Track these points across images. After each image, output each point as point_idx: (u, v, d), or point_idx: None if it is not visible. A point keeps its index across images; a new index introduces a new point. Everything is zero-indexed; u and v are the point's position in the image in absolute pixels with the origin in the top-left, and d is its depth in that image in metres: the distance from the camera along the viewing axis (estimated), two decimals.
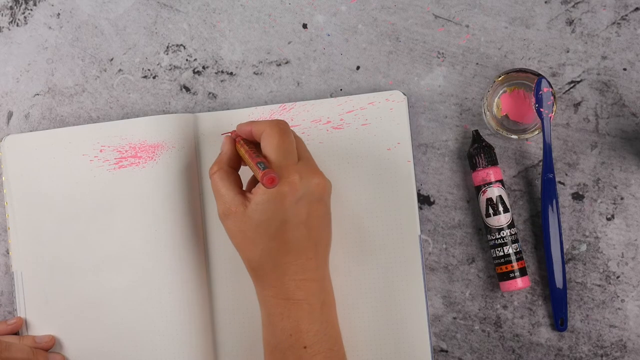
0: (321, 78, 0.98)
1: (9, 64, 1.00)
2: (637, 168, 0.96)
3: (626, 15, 0.96)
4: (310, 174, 0.86)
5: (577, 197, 0.96)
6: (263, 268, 0.86)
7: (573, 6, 0.97)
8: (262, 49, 0.99)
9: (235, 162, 0.90)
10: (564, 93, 0.96)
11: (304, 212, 0.85)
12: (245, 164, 0.90)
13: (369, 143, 0.95)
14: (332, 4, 0.98)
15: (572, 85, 0.96)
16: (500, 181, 0.94)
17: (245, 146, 0.89)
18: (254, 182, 0.90)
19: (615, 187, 0.96)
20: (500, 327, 0.96)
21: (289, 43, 0.98)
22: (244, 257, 0.87)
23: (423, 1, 0.97)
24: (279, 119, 0.89)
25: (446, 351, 0.96)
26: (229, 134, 0.91)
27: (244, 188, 0.90)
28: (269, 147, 0.86)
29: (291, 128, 0.89)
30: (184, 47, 0.99)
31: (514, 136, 0.94)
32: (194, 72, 0.99)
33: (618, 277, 0.95)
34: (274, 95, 0.98)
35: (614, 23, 0.96)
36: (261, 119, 0.93)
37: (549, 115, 0.93)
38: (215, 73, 0.99)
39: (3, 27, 1.00)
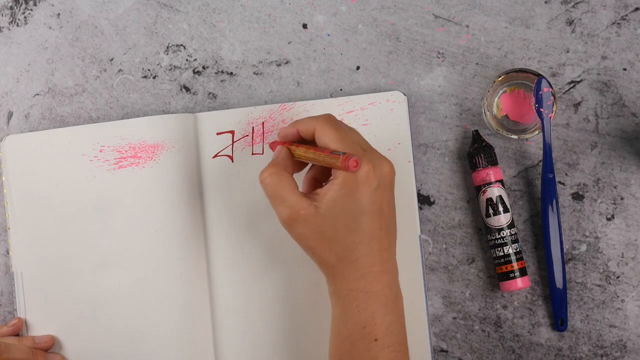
0: (321, 78, 0.98)
1: (9, 64, 1.00)
2: (637, 168, 0.96)
3: (626, 15, 0.96)
4: (380, 161, 0.84)
5: (577, 197, 0.96)
6: (342, 264, 0.84)
7: (573, 6, 0.97)
8: (262, 49, 0.99)
9: (291, 167, 0.87)
10: (564, 93, 0.96)
11: (378, 202, 0.83)
12: (299, 170, 0.89)
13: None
14: (332, 4, 0.98)
15: (572, 85, 0.96)
16: (500, 181, 0.94)
17: (301, 146, 0.86)
18: (310, 183, 0.89)
19: (615, 187, 0.96)
20: (500, 327, 0.96)
21: (289, 43, 0.99)
22: (321, 257, 0.85)
23: (423, 1, 0.97)
24: (325, 113, 0.86)
25: (446, 351, 0.96)
26: (270, 146, 0.89)
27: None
28: (329, 141, 0.83)
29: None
30: (184, 47, 0.99)
31: (514, 136, 0.94)
32: (194, 72, 0.99)
33: (618, 277, 0.95)
34: (274, 95, 0.98)
35: (614, 23, 0.96)
36: (302, 118, 0.90)
37: (549, 115, 0.93)
38: (215, 73, 0.99)
39: (3, 27, 1.00)
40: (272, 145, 0.90)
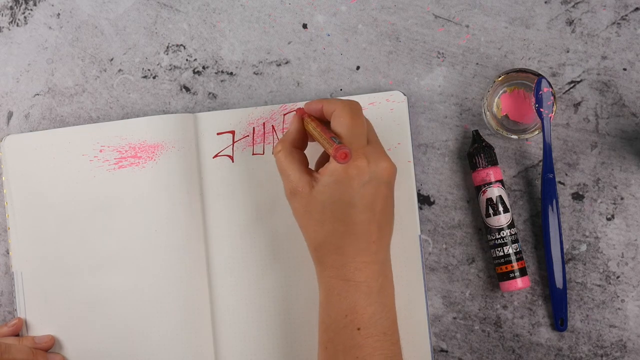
0: (321, 78, 0.98)
1: (9, 64, 1.00)
2: (637, 168, 0.96)
3: (626, 15, 0.96)
4: (378, 157, 0.85)
5: (577, 197, 0.96)
6: (325, 249, 0.85)
7: (573, 6, 0.97)
8: (262, 49, 0.99)
9: (300, 142, 0.89)
10: (564, 93, 0.96)
11: (370, 196, 0.84)
12: (313, 141, 0.90)
13: None
14: (332, 4, 0.98)
15: (572, 85, 0.96)
16: (500, 181, 0.94)
17: (315, 121, 0.88)
18: (322, 161, 0.90)
19: (615, 187, 0.96)
20: (500, 327, 0.96)
21: (289, 43, 0.99)
22: (308, 236, 0.87)
23: (423, 1, 0.97)
24: (351, 99, 0.88)
25: (446, 351, 0.96)
26: (296, 111, 0.90)
27: (312, 167, 0.90)
28: (339, 127, 0.85)
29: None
30: (184, 47, 0.99)
31: (514, 136, 0.94)
32: (194, 72, 0.99)
33: (618, 277, 0.95)
34: (274, 95, 0.98)
35: (614, 23, 0.96)
36: (331, 98, 0.91)
37: (549, 115, 0.93)
38: (215, 73, 0.99)
39: (3, 27, 1.00)
40: (297, 111, 0.91)
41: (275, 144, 0.93)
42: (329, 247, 0.85)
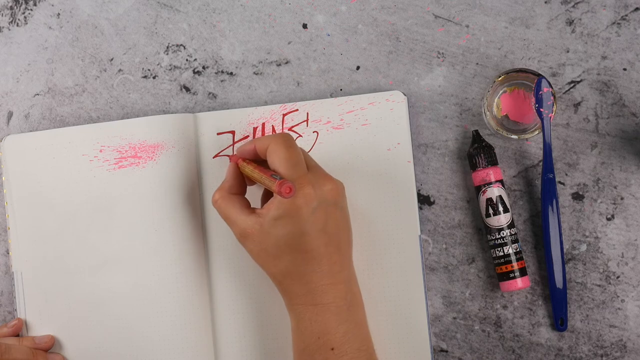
0: (321, 78, 0.98)
1: (9, 64, 1.00)
2: (637, 168, 0.96)
3: (626, 15, 0.96)
4: (321, 181, 0.87)
5: (577, 197, 0.96)
6: (289, 280, 0.86)
7: (573, 6, 0.97)
8: (262, 49, 0.99)
9: (238, 188, 0.90)
10: (564, 93, 0.96)
11: (321, 220, 0.85)
12: (253, 184, 0.91)
13: (369, 143, 0.95)
14: (332, 4, 0.98)
15: (572, 85, 0.96)
16: (500, 181, 0.94)
17: (251, 164, 0.89)
18: (266, 198, 0.91)
19: (615, 187, 0.96)
20: (500, 327, 0.96)
21: (289, 43, 0.99)
22: (269, 272, 0.88)
23: (423, 1, 0.97)
24: (283, 132, 0.90)
25: (446, 351, 0.96)
26: (230, 158, 0.91)
27: (257, 206, 0.91)
28: (277, 160, 0.86)
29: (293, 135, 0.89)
30: (184, 47, 0.99)
31: (514, 136, 0.94)
32: (194, 72, 0.99)
33: (618, 277, 0.95)
34: (274, 95, 0.98)
35: (614, 23, 0.96)
36: (262, 136, 0.93)
37: (549, 115, 0.93)
38: (215, 73, 0.99)
39: (3, 27, 1.00)
40: (231, 159, 0.91)
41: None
42: (293, 277, 0.86)
